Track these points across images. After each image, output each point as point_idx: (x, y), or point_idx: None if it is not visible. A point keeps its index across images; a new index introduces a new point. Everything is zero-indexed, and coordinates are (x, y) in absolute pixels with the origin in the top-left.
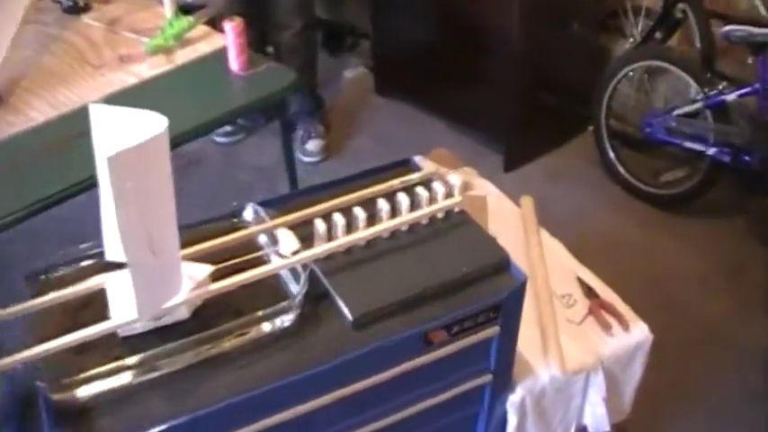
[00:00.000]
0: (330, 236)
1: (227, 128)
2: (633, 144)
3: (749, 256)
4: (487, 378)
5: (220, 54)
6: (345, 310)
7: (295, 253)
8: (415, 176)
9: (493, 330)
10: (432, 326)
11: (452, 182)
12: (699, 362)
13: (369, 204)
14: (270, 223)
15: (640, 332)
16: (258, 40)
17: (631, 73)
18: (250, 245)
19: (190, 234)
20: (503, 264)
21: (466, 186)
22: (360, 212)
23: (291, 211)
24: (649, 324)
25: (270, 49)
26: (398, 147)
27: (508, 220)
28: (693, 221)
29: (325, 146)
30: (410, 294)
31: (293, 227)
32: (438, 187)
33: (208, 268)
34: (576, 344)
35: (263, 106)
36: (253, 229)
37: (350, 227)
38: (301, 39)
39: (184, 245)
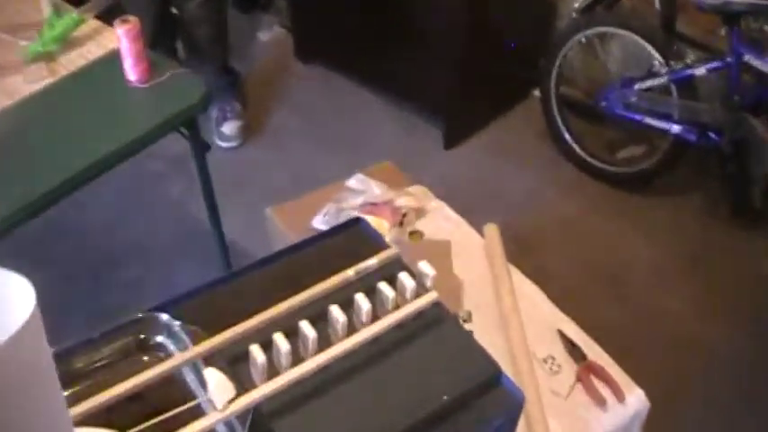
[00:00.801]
0: (271, 364)
1: None
2: (585, 114)
3: (708, 242)
4: None
5: (114, 58)
6: None
7: (231, 401)
8: (372, 263)
9: None
10: None
11: (423, 270)
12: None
13: (318, 311)
14: (192, 352)
15: (637, 401)
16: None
17: (584, 39)
18: (169, 383)
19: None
20: (493, 379)
21: (418, 212)
22: (308, 329)
23: (215, 319)
24: (606, 317)
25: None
26: (325, 125)
27: (471, 257)
28: (650, 202)
29: (243, 127)
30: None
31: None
32: (405, 279)
33: None
34: (565, 427)
35: (172, 126)
36: (170, 364)
37: (296, 351)
38: (208, 8)
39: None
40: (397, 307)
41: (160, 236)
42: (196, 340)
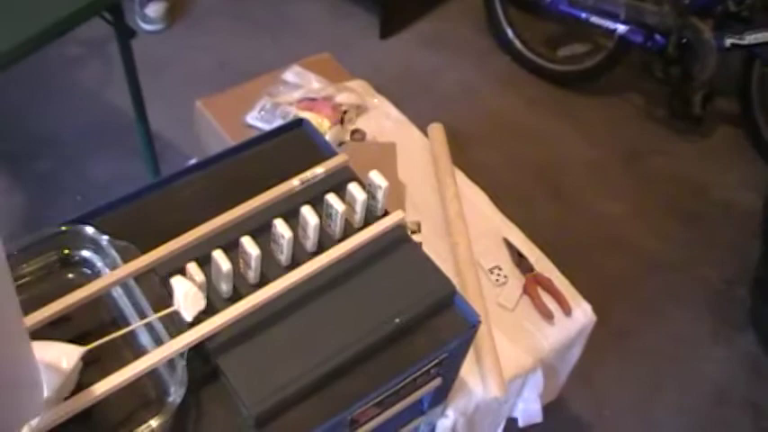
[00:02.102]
0: (212, 285)
1: None
2: (528, 7)
3: (646, 143)
4: (420, 419)
5: None
6: (243, 404)
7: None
8: (320, 171)
9: (433, 383)
10: (356, 408)
11: (376, 181)
12: (595, 266)
13: (261, 225)
14: (123, 271)
15: (583, 315)
16: None
17: None
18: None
19: None
20: (446, 300)
21: (359, 110)
22: (251, 248)
23: (147, 233)
24: (542, 216)
25: None
26: (256, 8)
27: (414, 158)
28: (589, 102)
29: (168, 9)
30: (327, 369)
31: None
32: (354, 190)
33: (76, 352)
34: (512, 341)
35: (95, 10)
36: (101, 283)
37: (238, 272)
38: None
39: None
40: (356, 226)
41: (75, 125)
42: (126, 257)
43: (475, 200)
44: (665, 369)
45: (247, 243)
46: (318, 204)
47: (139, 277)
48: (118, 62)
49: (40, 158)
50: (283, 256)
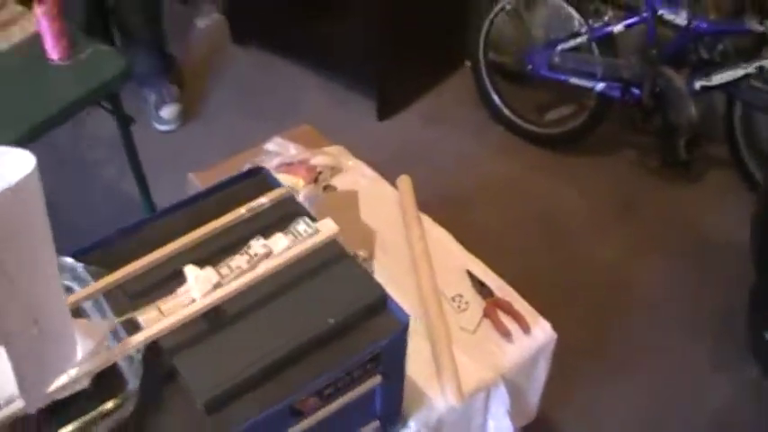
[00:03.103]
0: (167, 300)
1: None
2: (514, 79)
3: (639, 192)
4: (374, 425)
5: (36, 40)
6: (194, 393)
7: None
8: (263, 201)
9: (374, 380)
10: (298, 396)
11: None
12: (596, 310)
13: (212, 249)
14: (92, 288)
15: (542, 333)
16: None
17: (509, 6)
18: None
19: None
20: (379, 303)
21: (333, 170)
22: (203, 268)
23: (117, 261)
24: (540, 266)
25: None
26: (261, 101)
27: (385, 207)
28: (581, 161)
29: (181, 110)
30: (269, 361)
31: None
32: (299, 220)
33: (105, 324)
34: (473, 359)
35: (93, 99)
36: (73, 298)
37: (189, 289)
38: None
39: None
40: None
41: (95, 215)
42: (97, 279)
43: (441, 240)
44: (664, 401)
45: (200, 264)
46: (266, 233)
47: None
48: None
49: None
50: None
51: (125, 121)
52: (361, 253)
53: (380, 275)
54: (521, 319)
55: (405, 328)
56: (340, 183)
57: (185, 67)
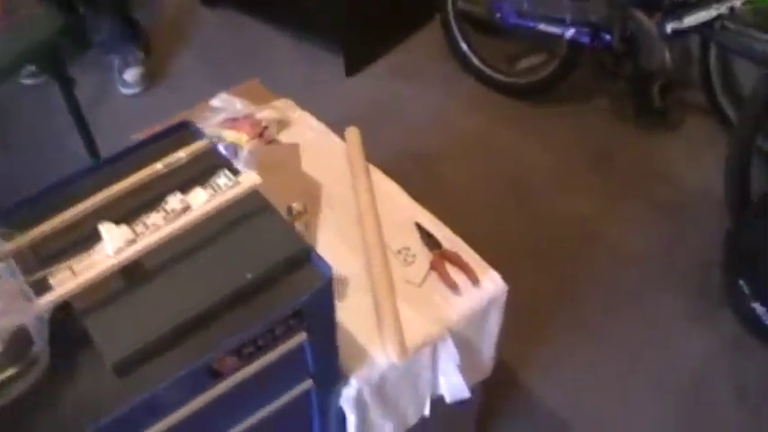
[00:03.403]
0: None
1: (32, 67)
2: (484, 28)
3: (612, 142)
4: (308, 384)
5: None
6: (103, 355)
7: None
8: (181, 155)
9: (299, 338)
10: (214, 355)
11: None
12: (568, 263)
13: (131, 208)
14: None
15: (492, 284)
16: None
17: None
18: None
19: None
20: (301, 257)
21: (280, 124)
22: (118, 225)
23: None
24: (512, 222)
25: None
26: (228, 64)
27: (333, 160)
28: (552, 111)
29: (145, 74)
30: (183, 320)
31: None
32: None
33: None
34: (419, 312)
35: (32, 58)
36: None
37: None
38: None
39: None
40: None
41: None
42: (7, 240)
43: (390, 192)
44: (638, 355)
45: (116, 221)
46: (185, 188)
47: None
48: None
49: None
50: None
51: (67, 83)
52: (296, 206)
53: (325, 229)
54: (469, 270)
55: (328, 281)
56: (286, 136)
57: (153, 30)
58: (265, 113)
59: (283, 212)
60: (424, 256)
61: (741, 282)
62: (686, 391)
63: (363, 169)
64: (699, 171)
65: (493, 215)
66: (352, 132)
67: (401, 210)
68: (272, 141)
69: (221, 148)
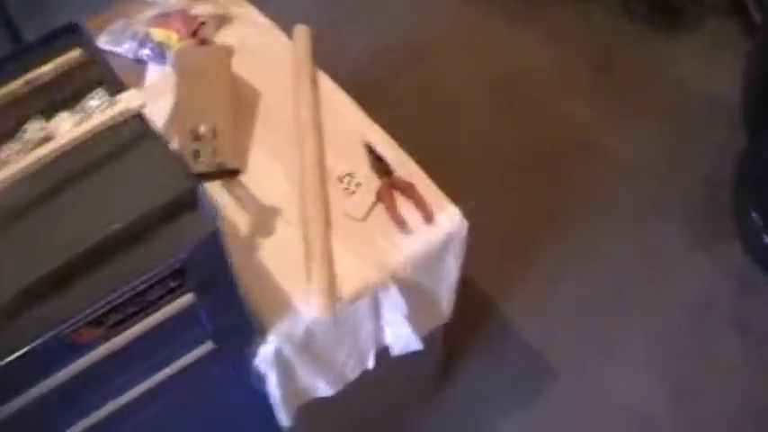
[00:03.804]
0: None
1: None
2: None
3: (619, 45)
4: (208, 346)
5: None
6: None
7: None
8: (47, 69)
9: (184, 300)
10: (68, 326)
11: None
12: (561, 179)
13: None
14: None
15: (449, 222)
16: None
17: None
18: None
19: None
20: (187, 200)
21: (220, 21)
22: None
23: None
24: (502, 129)
25: None
26: None
27: (277, 65)
28: (554, 7)
29: None
30: (28, 282)
31: None
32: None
33: None
34: (357, 255)
35: None
36: None
37: None
38: None
39: None
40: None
41: None
42: None
43: (339, 105)
44: (634, 284)
45: None
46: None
47: None
48: None
49: None
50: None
51: None
52: (202, 129)
53: (258, 149)
54: (422, 204)
55: (213, 233)
56: (225, 35)
57: None
58: (201, 8)
59: (187, 137)
60: (370, 184)
61: (753, 212)
62: (687, 328)
63: (308, 78)
64: (712, 80)
65: (479, 122)
66: (301, 31)
67: (350, 127)
68: (206, 41)
69: (146, 50)
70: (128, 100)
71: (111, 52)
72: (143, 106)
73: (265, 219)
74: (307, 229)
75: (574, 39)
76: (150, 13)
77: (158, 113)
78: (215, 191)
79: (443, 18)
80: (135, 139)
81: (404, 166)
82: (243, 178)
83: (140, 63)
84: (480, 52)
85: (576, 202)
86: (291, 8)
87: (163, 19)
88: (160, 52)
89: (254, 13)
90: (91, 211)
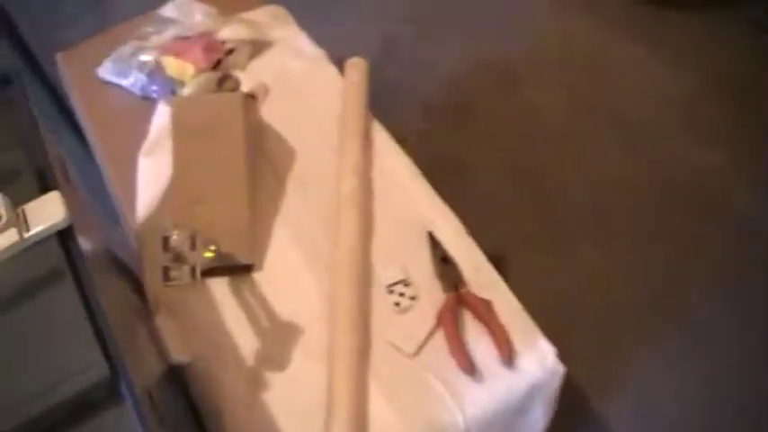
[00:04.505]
0: None
1: None
2: None
3: (762, 64)
4: None
5: None
6: None
7: None
8: None
9: None
10: None
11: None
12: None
13: None
14: None
15: (539, 366)
16: None
17: None
18: None
19: None
20: (99, 395)
21: (254, 47)
22: None
23: None
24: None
25: None
26: None
27: (321, 108)
28: (687, 18)
29: None
30: None
31: None
32: None
33: None
34: (399, 406)
35: None
36: None
37: None
38: None
39: None
40: None
41: None
42: None
43: (395, 172)
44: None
45: None
46: None
47: None
48: None
49: None
50: None
51: None
52: (175, 237)
53: (280, 237)
54: (502, 336)
55: None
56: (258, 67)
57: None
58: (233, 30)
59: (158, 242)
60: (431, 297)
61: None
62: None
63: (359, 131)
64: None
65: (590, 156)
66: (355, 66)
67: (408, 207)
68: (226, 79)
69: (155, 86)
70: (42, 216)
71: (115, 84)
72: (65, 221)
73: (280, 342)
74: (333, 361)
75: (707, 63)
76: (168, 33)
77: (155, 181)
78: (218, 291)
79: (542, 29)
80: (45, 284)
81: (480, 272)
82: (258, 276)
83: (150, 100)
84: (590, 77)
85: (689, 258)
86: (349, 21)
87: (180, 44)
88: (171, 90)
89: (299, 38)
90: None
